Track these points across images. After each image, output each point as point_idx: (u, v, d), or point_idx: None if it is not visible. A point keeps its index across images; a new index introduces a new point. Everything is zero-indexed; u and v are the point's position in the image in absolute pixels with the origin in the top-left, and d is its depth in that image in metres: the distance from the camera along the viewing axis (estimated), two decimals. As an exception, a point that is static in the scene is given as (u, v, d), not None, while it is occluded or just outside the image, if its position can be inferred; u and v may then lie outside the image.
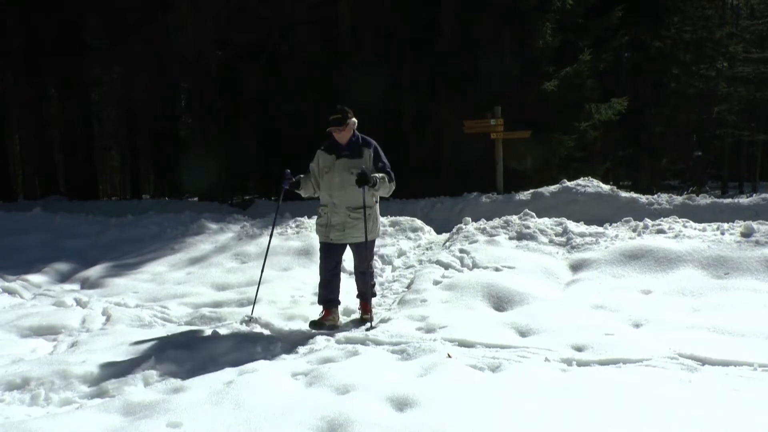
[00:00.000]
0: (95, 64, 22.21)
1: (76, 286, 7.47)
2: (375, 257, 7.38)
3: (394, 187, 5.56)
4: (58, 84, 21.70)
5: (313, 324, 5.34)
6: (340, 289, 5.65)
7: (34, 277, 7.55)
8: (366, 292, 5.66)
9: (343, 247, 5.60)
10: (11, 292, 6.93)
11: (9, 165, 23.08)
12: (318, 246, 7.87)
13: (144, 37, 18.98)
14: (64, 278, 7.82)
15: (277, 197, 19.71)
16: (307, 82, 17.28)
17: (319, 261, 5.69)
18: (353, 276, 5.99)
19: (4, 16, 19.57)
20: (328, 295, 5.54)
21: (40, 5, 18.73)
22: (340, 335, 5.01)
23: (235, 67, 18.31)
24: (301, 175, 5.68)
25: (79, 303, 6.37)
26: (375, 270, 6.49)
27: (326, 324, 5.36)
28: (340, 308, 5.70)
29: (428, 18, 16.73)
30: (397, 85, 16.83)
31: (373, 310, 5.69)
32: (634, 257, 6.26)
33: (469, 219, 8.32)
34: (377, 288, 6.16)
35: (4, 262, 8.16)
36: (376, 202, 5.67)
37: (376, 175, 5.36)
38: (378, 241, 8.05)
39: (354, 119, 5.58)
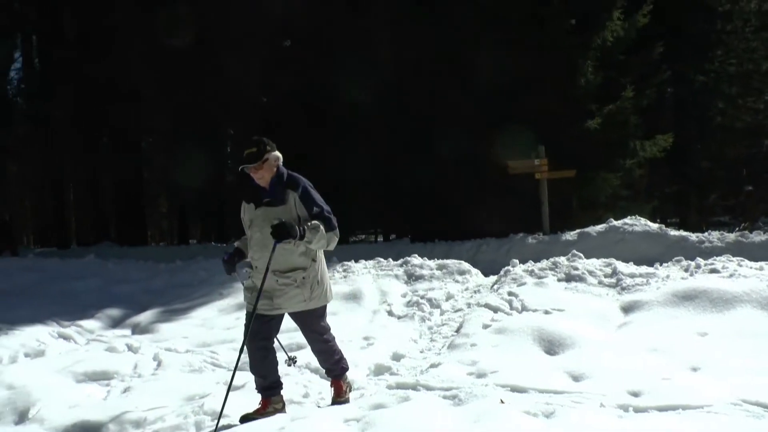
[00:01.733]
0: (145, 112, 22.84)
1: (127, 332, 7.60)
2: (421, 300, 7.36)
3: (336, 238, 4.45)
4: (110, 133, 22.36)
5: (244, 419, 4.33)
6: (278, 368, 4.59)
7: (88, 323, 7.70)
8: (332, 369, 4.67)
9: (275, 320, 4.46)
10: (66, 338, 7.08)
11: (63, 212, 23.75)
12: (365, 290, 7.91)
13: (192, 84, 19.51)
14: (116, 324, 7.97)
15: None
16: (350, 126, 17.50)
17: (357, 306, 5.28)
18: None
19: (59, 66, 20.32)
20: (264, 380, 4.45)
21: (93, 56, 19.42)
22: (390, 380, 4.98)
23: (279, 113, 18.66)
24: (238, 243, 4.60)
25: (130, 348, 6.47)
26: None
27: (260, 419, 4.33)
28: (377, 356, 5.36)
29: (469, 57, 16.86)
30: (439, 125, 16.91)
31: (348, 387, 4.73)
32: (687, 298, 6.13)
33: (517, 261, 8.27)
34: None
35: (59, 307, 8.34)
36: (314, 260, 4.45)
37: (309, 223, 4.21)
38: (425, 284, 8.02)
39: (276, 153, 4.40)
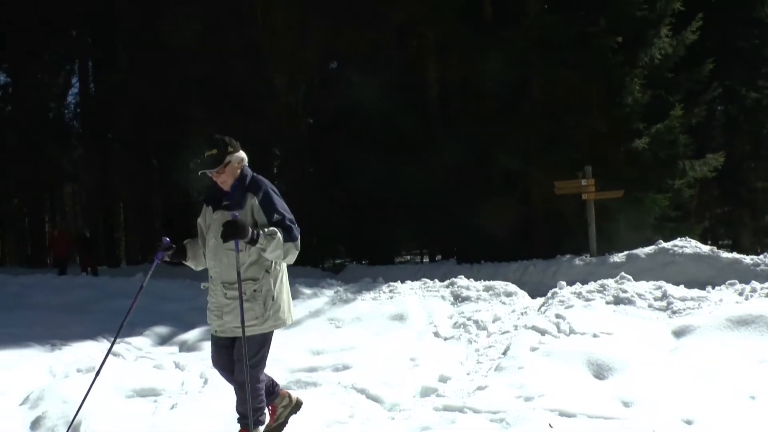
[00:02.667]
0: (194, 134, 23.32)
1: (174, 349, 7.70)
2: (467, 322, 7.30)
3: (296, 250, 3.83)
4: (160, 154, 22.88)
5: None
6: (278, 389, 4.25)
7: (136, 340, 7.84)
8: (245, 414, 3.87)
9: (231, 342, 3.93)
10: (115, 354, 7.20)
11: (114, 232, 24.33)
12: (411, 311, 7.89)
13: (240, 106, 19.88)
14: (163, 341, 8.08)
15: (369, 262, 19.95)
16: (397, 147, 17.59)
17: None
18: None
19: (114, 92, 20.92)
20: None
21: (146, 80, 19.94)
22: (437, 402, 4.95)
23: (326, 133, 18.86)
24: (186, 241, 4.12)
25: (177, 366, 6.55)
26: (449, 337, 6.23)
27: None
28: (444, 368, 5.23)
29: (516, 79, 16.85)
30: (486, 148, 16.90)
31: None
32: (742, 323, 5.96)
33: (564, 283, 8.17)
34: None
35: (109, 324, 8.48)
36: (268, 272, 3.87)
37: (265, 229, 3.72)
38: (471, 306, 7.96)
39: (240, 154, 3.95)
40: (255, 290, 3.82)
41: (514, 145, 17.12)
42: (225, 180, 3.88)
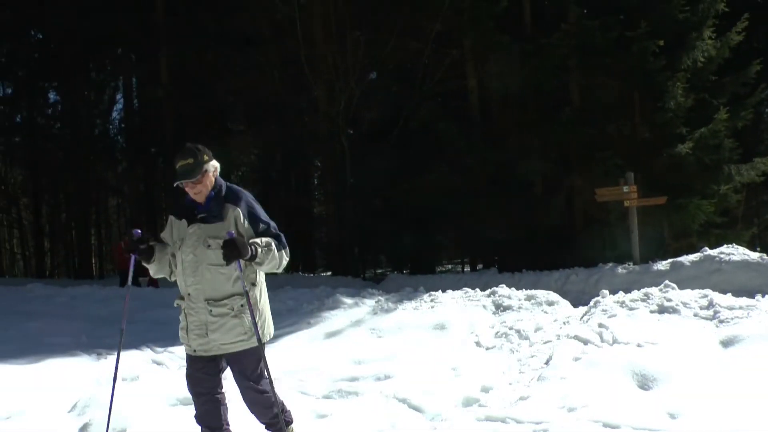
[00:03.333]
0: (235, 146, 23.68)
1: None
2: (509, 331, 7.26)
3: (287, 258, 3.82)
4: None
5: None
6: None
7: (179, 350, 7.92)
8: (272, 423, 3.94)
9: (215, 361, 3.83)
10: (159, 363, 7.33)
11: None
12: (452, 320, 7.86)
13: (280, 118, 20.12)
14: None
15: (410, 271, 19.95)
16: (437, 155, 17.60)
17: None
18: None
19: (157, 107, 21.36)
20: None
21: (188, 95, 20.32)
22: (479, 412, 4.93)
23: (366, 144, 18.96)
24: (154, 243, 3.86)
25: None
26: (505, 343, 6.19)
27: None
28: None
29: (556, 86, 16.75)
30: (526, 155, 16.81)
31: None
32: (793, 332, 5.82)
33: (606, 291, 8.06)
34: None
35: (152, 334, 8.66)
36: (254, 284, 3.80)
37: (257, 241, 3.63)
38: (513, 315, 7.92)
39: (215, 162, 3.79)
40: (242, 305, 3.70)
41: (554, 153, 17.00)
42: (200, 191, 3.69)
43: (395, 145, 18.60)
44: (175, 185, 3.70)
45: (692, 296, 7.15)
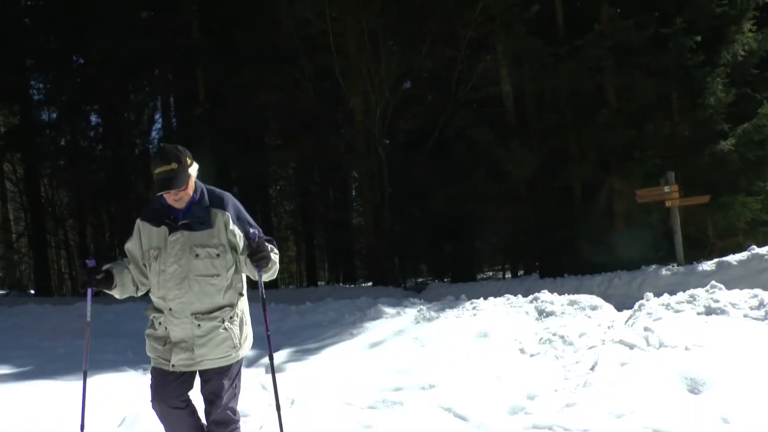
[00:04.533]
0: (272, 161, 23.95)
1: (260, 371, 7.85)
2: (552, 337, 7.17)
3: (278, 263, 3.62)
4: (240, 182, 23.58)
5: None
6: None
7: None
8: None
9: (191, 377, 3.54)
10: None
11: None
12: (495, 327, 7.80)
13: (316, 131, 20.30)
14: (249, 364, 8.19)
15: (450, 279, 19.90)
16: (474, 162, 17.56)
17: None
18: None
19: (195, 125, 21.71)
20: None
21: (225, 112, 20.63)
22: (525, 420, 4.89)
23: (404, 154, 19.00)
24: (110, 265, 3.53)
25: (264, 387, 6.69)
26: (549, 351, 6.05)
27: None
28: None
29: (591, 87, 16.58)
30: (564, 158, 16.67)
31: None
32: None
33: (651, 294, 7.93)
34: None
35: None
36: (242, 294, 3.60)
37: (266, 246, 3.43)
38: (556, 321, 7.83)
39: (195, 165, 3.46)
40: (232, 317, 3.47)
41: (592, 155, 16.82)
42: (182, 197, 3.37)
43: (432, 153, 18.62)
44: (159, 194, 3.34)
45: (741, 296, 7.00)
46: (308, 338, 9.08)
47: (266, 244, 3.44)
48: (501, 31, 17.26)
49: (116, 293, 3.54)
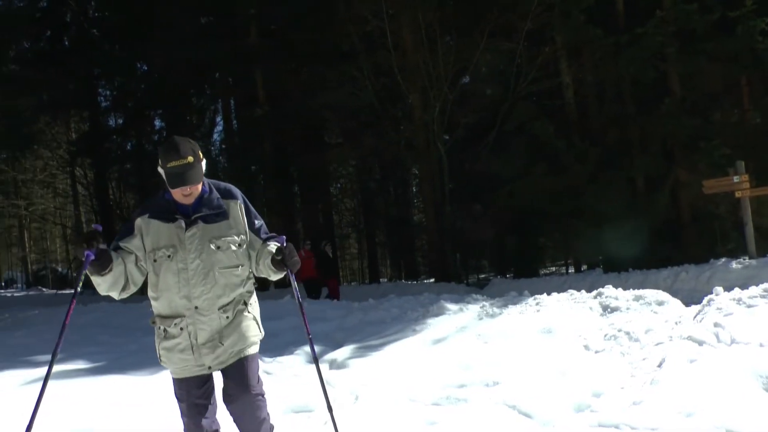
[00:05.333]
0: (333, 159, 24.18)
1: (324, 367, 7.94)
2: (618, 333, 7.04)
3: None
4: (301, 182, 23.88)
5: None
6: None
7: (288, 359, 8.14)
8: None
9: (212, 378, 3.43)
10: (269, 373, 7.55)
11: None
12: (558, 323, 7.70)
13: (376, 128, 20.39)
14: (323, 360, 8.38)
15: (513, 275, 19.73)
16: (535, 156, 17.38)
17: None
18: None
19: (255, 126, 22.10)
20: None
21: (285, 112, 20.93)
22: (591, 418, 4.83)
23: (463, 149, 18.94)
24: (109, 249, 3.09)
25: (328, 383, 6.76)
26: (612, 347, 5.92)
27: None
28: None
29: (654, 76, 16.21)
30: (626, 150, 16.33)
31: None
32: None
33: (720, 289, 7.70)
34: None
35: (261, 345, 8.89)
36: (254, 282, 3.53)
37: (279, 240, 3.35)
38: (621, 316, 7.70)
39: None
40: (251, 303, 3.44)
41: (656, 146, 16.44)
42: (193, 192, 3.24)
43: (492, 148, 18.49)
44: (177, 189, 3.19)
45: (818, 290, 6.76)
46: (371, 335, 9.13)
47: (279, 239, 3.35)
48: (560, 21, 17.04)
49: (103, 283, 3.08)
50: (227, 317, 3.28)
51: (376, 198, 26.77)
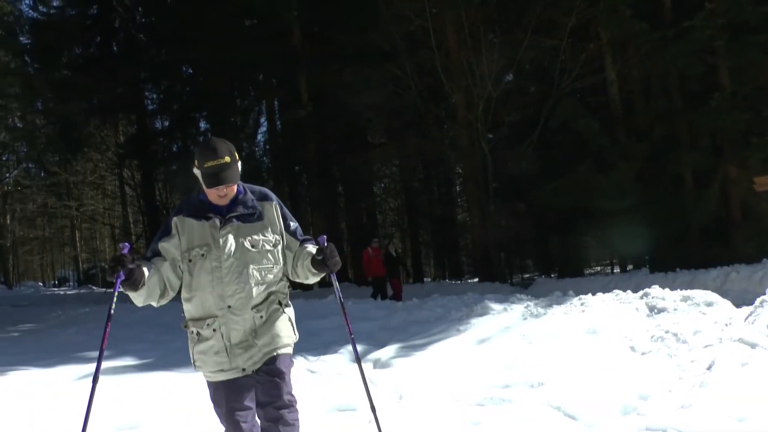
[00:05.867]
0: (376, 159, 24.25)
1: (368, 366, 7.98)
2: (665, 335, 6.91)
3: None
4: (344, 182, 24.01)
5: None
6: None
7: (332, 358, 8.22)
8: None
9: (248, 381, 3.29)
10: (313, 371, 7.63)
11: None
12: (604, 324, 7.59)
13: (419, 128, 20.39)
14: (366, 359, 8.42)
15: (557, 275, 19.52)
16: (579, 154, 17.18)
17: None
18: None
19: (299, 127, 22.31)
20: None
21: (329, 113, 21.08)
22: (638, 421, 4.75)
23: (507, 147, 18.82)
24: (139, 264, 3.08)
25: (372, 382, 6.78)
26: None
27: None
28: None
29: (703, 70, 15.86)
30: (674, 147, 16.03)
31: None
32: None
33: (774, 288, 7.52)
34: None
35: (306, 344, 8.96)
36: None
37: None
38: (668, 317, 7.55)
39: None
40: (286, 303, 3.40)
41: (705, 142, 16.09)
42: (228, 194, 3.23)
43: (536, 146, 18.34)
44: (207, 190, 3.20)
45: None
46: (415, 334, 9.14)
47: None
48: (605, 17, 16.79)
49: (138, 297, 3.14)
50: (261, 317, 3.25)
51: (419, 197, 26.74)
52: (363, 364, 7.84)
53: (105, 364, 8.53)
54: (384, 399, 6.05)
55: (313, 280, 3.35)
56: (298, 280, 3.43)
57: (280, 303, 3.33)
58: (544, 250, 19.76)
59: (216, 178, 3.11)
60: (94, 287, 38.68)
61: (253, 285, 3.20)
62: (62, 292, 35.31)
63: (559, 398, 5.50)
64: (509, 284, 18.32)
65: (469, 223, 22.14)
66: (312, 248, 3.30)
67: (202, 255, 3.19)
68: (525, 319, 8.69)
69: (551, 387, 5.88)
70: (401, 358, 7.87)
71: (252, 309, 3.21)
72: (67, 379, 7.48)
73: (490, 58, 17.92)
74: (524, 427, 4.83)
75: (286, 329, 3.34)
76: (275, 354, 3.25)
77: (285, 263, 3.37)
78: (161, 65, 26.67)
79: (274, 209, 3.33)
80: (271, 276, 3.27)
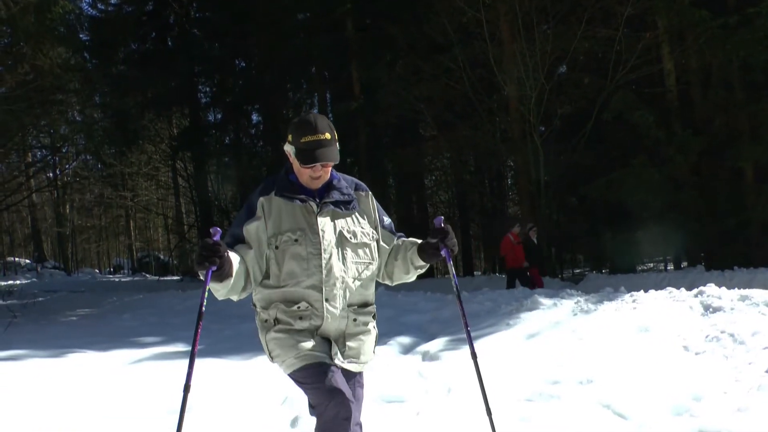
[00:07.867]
0: (428, 151, 24.21)
1: (417, 359, 8.00)
2: (720, 335, 6.72)
3: None
4: (395, 174, 24.06)
5: None
6: None
7: (381, 349, 8.16)
8: None
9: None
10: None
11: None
12: (656, 323, 7.44)
13: (471, 120, 20.29)
14: (406, 351, 8.45)
15: (609, 270, 19.18)
16: (634, 147, 16.85)
17: None
18: None
19: (350, 120, 22.41)
20: None
21: (380, 105, 21.13)
22: (691, 423, 4.64)
23: (560, 140, 18.59)
24: (227, 252, 2.62)
25: (421, 374, 6.81)
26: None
27: None
28: None
29: (766, 59, 15.35)
30: (734, 140, 15.58)
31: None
32: None
33: (839, 287, 7.25)
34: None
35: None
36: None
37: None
38: (724, 317, 7.36)
39: None
40: (376, 319, 3.09)
41: (767, 133, 15.61)
42: (323, 176, 2.88)
43: (589, 139, 18.06)
44: (302, 167, 2.84)
45: None
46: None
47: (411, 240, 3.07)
48: (662, 5, 16.39)
49: (222, 288, 2.72)
50: (354, 320, 2.92)
51: (471, 190, 26.60)
52: (412, 356, 7.93)
53: (157, 350, 8.82)
54: (433, 392, 6.06)
55: (410, 276, 3.07)
56: (386, 282, 3.16)
57: (374, 317, 3.05)
58: (595, 245, 19.42)
59: (313, 154, 2.78)
60: (147, 275, 39.78)
61: (351, 279, 2.89)
62: (117, 279, 36.39)
63: (608, 396, 5.42)
64: (560, 279, 18.11)
65: (520, 216, 21.92)
66: (413, 240, 3.07)
67: (295, 240, 2.81)
68: (575, 314, 8.59)
69: (601, 384, 5.80)
70: (450, 351, 7.86)
71: (348, 307, 2.90)
72: (121, 363, 7.73)
73: (543, 49, 17.70)
74: (573, 425, 4.78)
75: (370, 347, 3.04)
76: (356, 370, 3.00)
77: (380, 259, 3.06)
78: (214, 59, 27.15)
79: (370, 201, 3.04)
80: (368, 273, 2.96)
